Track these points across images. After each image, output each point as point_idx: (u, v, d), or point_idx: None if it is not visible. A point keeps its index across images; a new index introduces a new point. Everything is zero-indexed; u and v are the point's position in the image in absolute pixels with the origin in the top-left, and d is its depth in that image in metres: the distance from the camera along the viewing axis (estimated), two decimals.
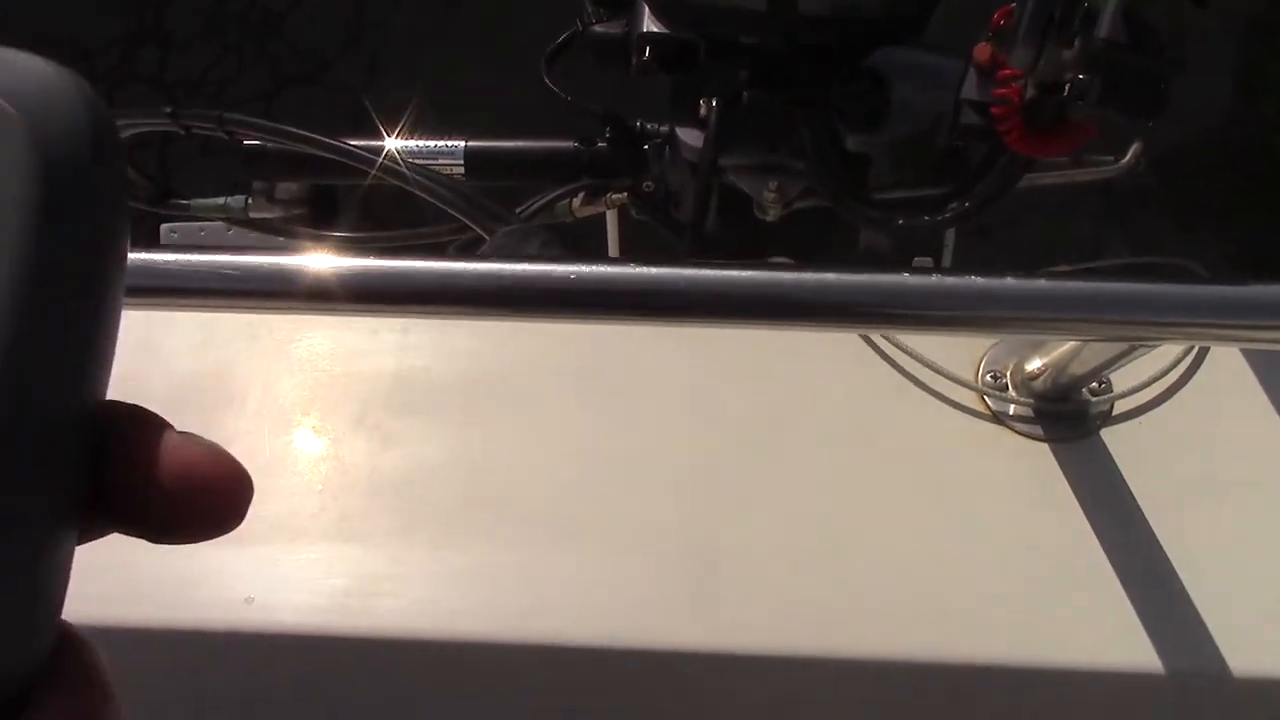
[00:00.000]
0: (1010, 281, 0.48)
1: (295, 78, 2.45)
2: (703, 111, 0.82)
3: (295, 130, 0.81)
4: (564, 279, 0.47)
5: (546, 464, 0.69)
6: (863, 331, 0.60)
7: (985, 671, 0.62)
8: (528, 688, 0.65)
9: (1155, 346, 0.61)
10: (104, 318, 0.22)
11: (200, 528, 0.23)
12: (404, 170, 0.79)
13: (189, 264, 0.46)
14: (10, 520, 0.20)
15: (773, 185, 0.84)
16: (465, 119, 0.96)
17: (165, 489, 0.22)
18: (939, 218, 0.81)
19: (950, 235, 0.98)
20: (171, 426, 0.23)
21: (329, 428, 0.70)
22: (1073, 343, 0.64)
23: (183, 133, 0.79)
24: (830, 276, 0.47)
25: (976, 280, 0.47)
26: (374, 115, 0.93)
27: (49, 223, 0.20)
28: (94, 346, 0.22)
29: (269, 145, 0.84)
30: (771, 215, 0.86)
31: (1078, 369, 0.66)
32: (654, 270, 0.47)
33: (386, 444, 0.70)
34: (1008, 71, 0.70)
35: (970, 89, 0.75)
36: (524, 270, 0.48)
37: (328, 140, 0.81)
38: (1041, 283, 0.48)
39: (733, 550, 0.65)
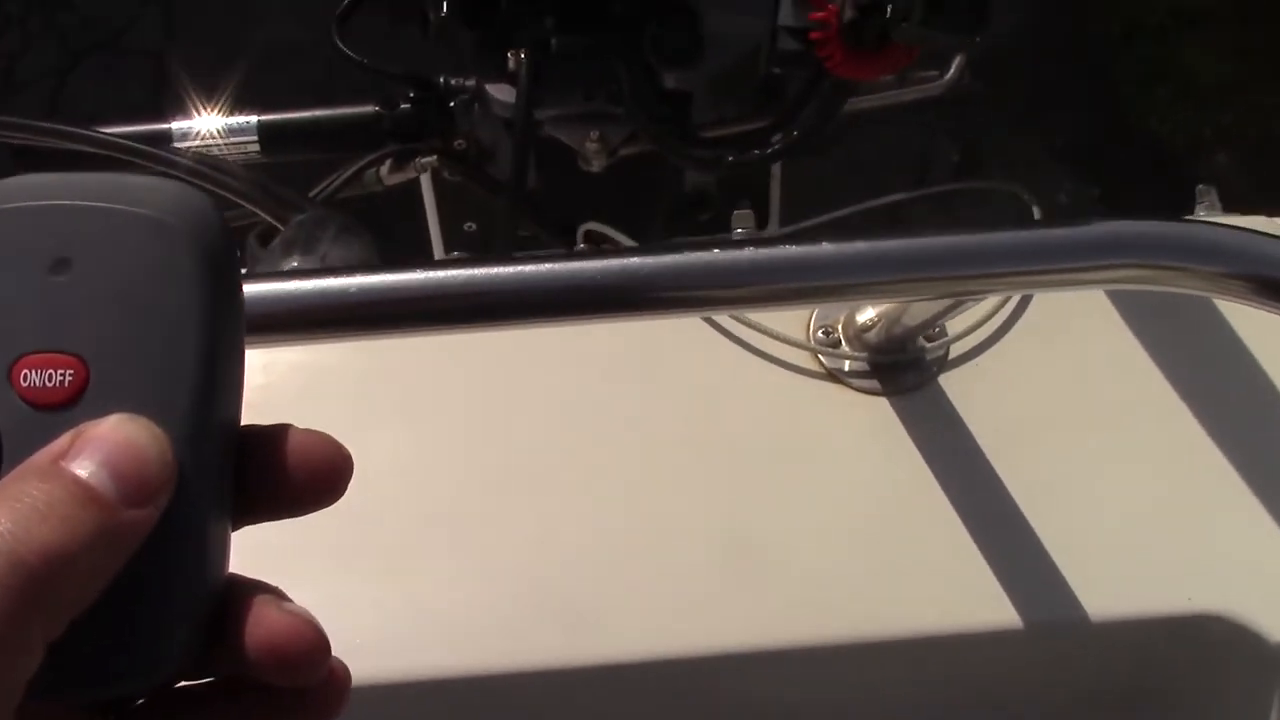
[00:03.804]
0: (827, 248, 0.44)
1: (89, 48, 2.28)
2: (511, 64, 0.76)
3: (53, 126, 0.73)
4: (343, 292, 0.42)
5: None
6: (682, 316, 0.56)
7: (844, 646, 0.59)
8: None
9: (982, 299, 0.58)
10: (241, 353, 0.30)
11: (315, 504, 0.31)
12: (185, 161, 0.72)
13: None
14: (201, 504, 0.29)
15: (594, 135, 0.80)
16: (274, 76, 0.88)
17: (294, 482, 0.30)
18: (768, 150, 0.77)
19: (777, 170, 0.94)
20: (292, 428, 0.31)
21: None
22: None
23: None
24: (643, 261, 0.43)
25: (792, 249, 0.44)
26: (176, 86, 0.84)
27: (214, 292, 0.29)
28: (240, 375, 0.30)
29: (43, 144, 0.75)
30: (596, 166, 0.81)
31: (910, 321, 0.63)
32: (457, 272, 0.43)
33: None
34: None
35: (786, 15, 0.71)
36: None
37: (89, 133, 0.73)
38: (860, 246, 0.44)
39: (584, 548, 0.61)
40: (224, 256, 0.30)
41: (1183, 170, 2.11)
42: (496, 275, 0.43)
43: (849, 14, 0.65)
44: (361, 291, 0.42)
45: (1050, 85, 2.17)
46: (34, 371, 0.28)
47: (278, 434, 0.30)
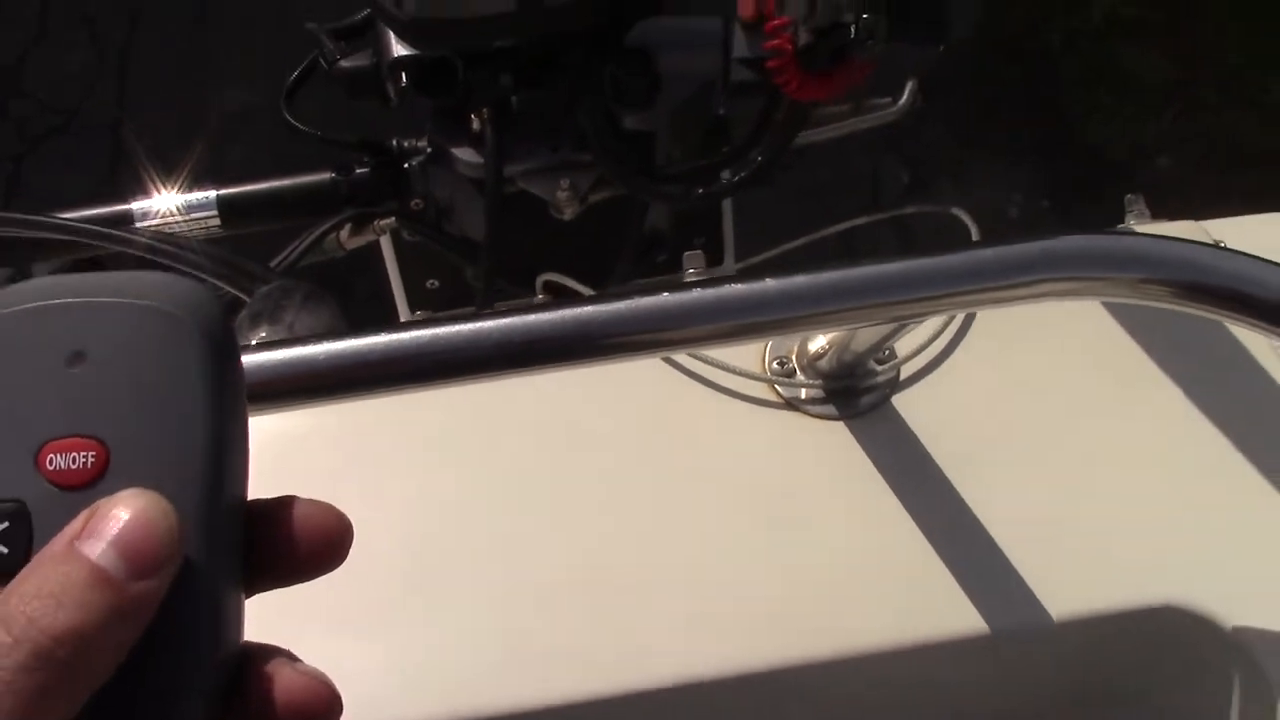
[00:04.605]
0: (770, 284, 0.46)
1: (45, 133, 2.26)
2: (475, 126, 0.76)
3: (10, 215, 0.73)
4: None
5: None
6: (638, 359, 0.57)
7: (815, 665, 0.60)
8: None
9: (924, 320, 0.60)
10: (246, 433, 0.33)
11: (319, 571, 0.33)
12: (144, 240, 0.71)
13: None
14: (215, 575, 0.30)
15: (564, 184, 0.80)
16: (231, 146, 0.88)
17: (299, 551, 0.32)
18: (735, 180, 0.78)
19: (728, 205, 0.95)
20: (297, 499, 0.33)
21: None
22: None
23: None
24: (597, 309, 0.45)
25: (738, 288, 0.46)
26: (133, 163, 0.84)
27: (218, 377, 0.31)
28: (246, 453, 0.33)
29: (4, 234, 0.74)
30: (568, 214, 0.82)
31: (858, 346, 0.65)
32: (419, 333, 0.44)
33: None
34: (777, 22, 0.66)
35: (740, 47, 0.72)
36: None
37: (48, 219, 0.73)
38: (801, 280, 0.46)
39: (555, 587, 0.62)
40: (225, 344, 0.32)
41: (1129, 173, 2.15)
42: (457, 334, 0.45)
43: (803, 39, 0.65)
44: (329, 358, 0.44)
45: (994, 98, 2.21)
46: (59, 455, 0.30)
47: (283, 506, 0.32)
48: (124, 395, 0.31)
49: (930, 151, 2.16)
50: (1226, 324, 0.49)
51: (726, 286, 0.46)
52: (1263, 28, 2.27)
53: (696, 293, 0.45)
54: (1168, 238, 0.48)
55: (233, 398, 0.32)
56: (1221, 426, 0.67)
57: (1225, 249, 0.48)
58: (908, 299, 0.47)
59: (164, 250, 0.70)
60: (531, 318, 0.45)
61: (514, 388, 0.66)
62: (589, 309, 0.45)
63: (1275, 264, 0.46)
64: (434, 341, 0.44)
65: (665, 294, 0.45)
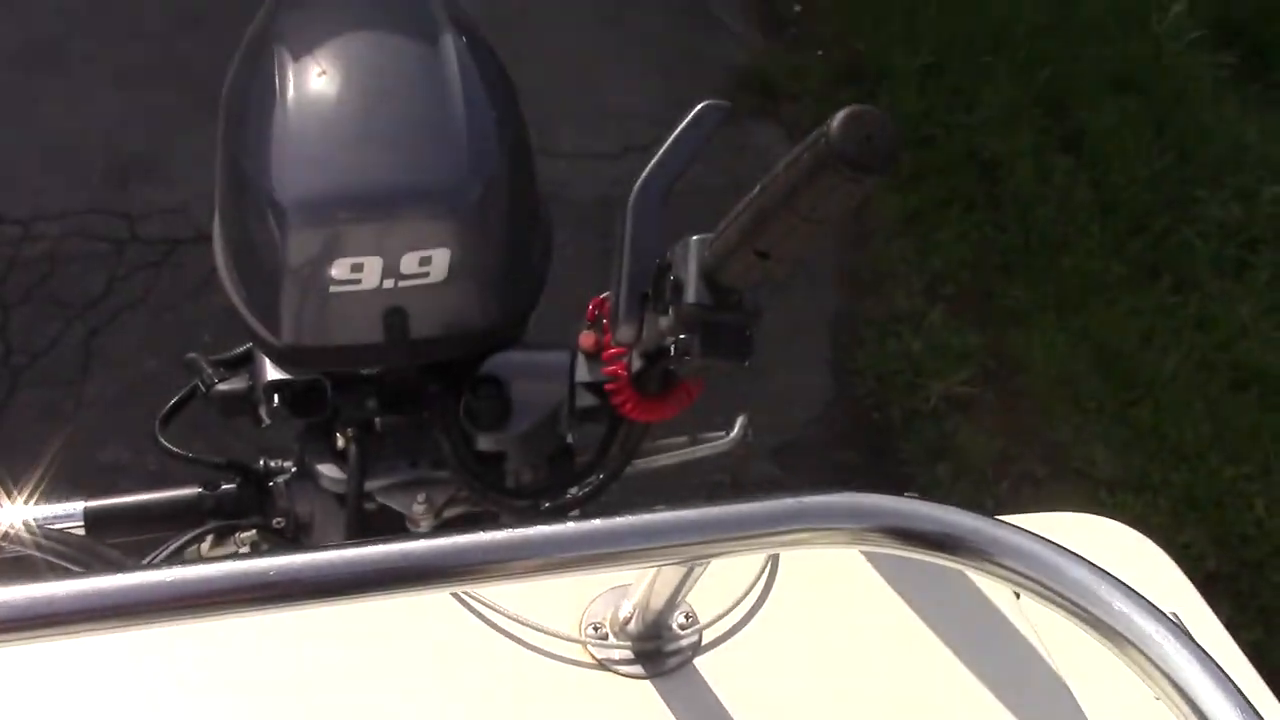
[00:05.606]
0: (571, 527, 0.52)
1: None
2: (340, 443, 0.83)
3: None
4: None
5: None
6: (437, 591, 0.61)
7: None
8: None
9: (705, 563, 0.65)
10: None
11: None
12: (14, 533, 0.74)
13: None
14: None
15: (420, 498, 0.86)
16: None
17: None
18: (580, 494, 0.84)
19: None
20: None
21: None
22: (645, 581, 0.69)
23: None
24: (404, 546, 0.49)
25: (537, 529, 0.52)
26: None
27: None
28: None
29: None
30: (424, 526, 0.87)
31: (656, 603, 0.70)
32: (234, 566, 0.47)
33: None
34: (613, 350, 0.75)
35: (582, 373, 0.81)
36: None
37: None
38: (597, 522, 0.53)
39: None
40: None
41: None
42: (235, 570, 0.48)
43: (637, 364, 0.75)
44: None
45: (836, 469, 2.36)
46: None
47: None
48: None
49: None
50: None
51: (532, 528, 0.51)
52: (1083, 405, 2.51)
53: (506, 532, 0.51)
54: (889, 494, 0.55)
55: None
56: (987, 678, 0.73)
57: (922, 500, 0.54)
58: (680, 544, 0.54)
59: (39, 544, 0.72)
60: (307, 556, 0.48)
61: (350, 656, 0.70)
62: (390, 547, 0.49)
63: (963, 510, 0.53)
64: (224, 576, 0.47)
65: (480, 532, 0.51)
